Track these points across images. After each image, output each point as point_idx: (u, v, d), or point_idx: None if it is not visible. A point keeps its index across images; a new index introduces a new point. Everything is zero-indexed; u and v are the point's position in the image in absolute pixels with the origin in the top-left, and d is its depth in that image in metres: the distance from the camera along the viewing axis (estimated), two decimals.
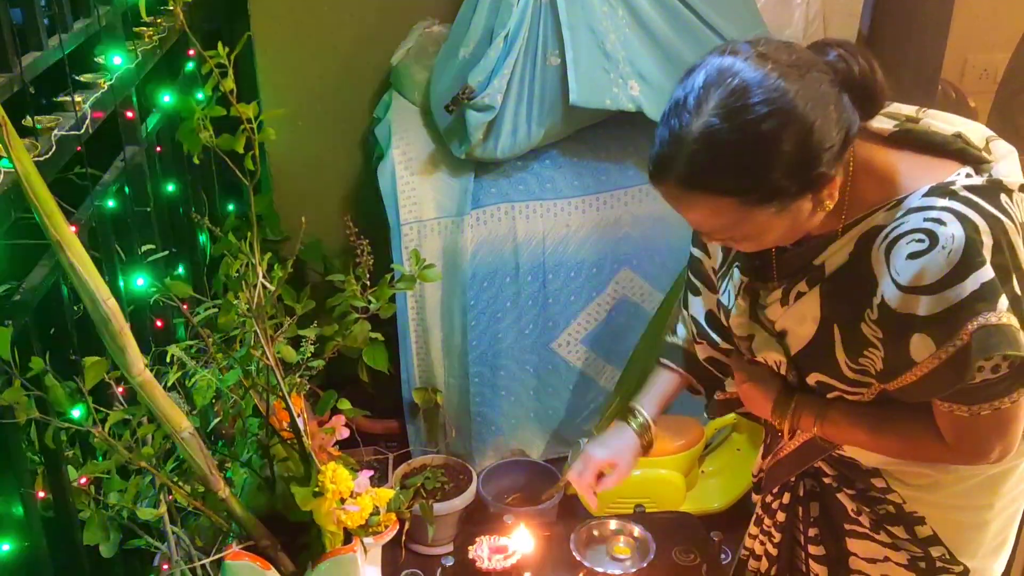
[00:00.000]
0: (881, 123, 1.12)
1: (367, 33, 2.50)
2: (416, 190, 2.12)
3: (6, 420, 0.99)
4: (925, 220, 1.03)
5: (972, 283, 1.00)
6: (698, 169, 1.01)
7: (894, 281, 1.04)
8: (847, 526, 1.30)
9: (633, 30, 2.04)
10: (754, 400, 1.31)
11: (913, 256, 1.02)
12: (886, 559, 1.28)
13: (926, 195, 1.05)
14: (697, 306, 1.39)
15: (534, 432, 2.33)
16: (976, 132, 1.13)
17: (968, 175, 1.07)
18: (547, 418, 2.32)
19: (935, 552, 1.24)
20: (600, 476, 1.49)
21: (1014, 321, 1.01)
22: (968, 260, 1.00)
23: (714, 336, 1.38)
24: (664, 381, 1.50)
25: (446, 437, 2.29)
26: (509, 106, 2.03)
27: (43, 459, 1.20)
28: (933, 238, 1.01)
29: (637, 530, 1.60)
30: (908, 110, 1.16)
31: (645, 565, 1.52)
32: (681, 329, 1.50)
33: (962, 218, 1.01)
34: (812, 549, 1.36)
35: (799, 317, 1.18)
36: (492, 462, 2.28)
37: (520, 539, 1.54)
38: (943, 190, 1.04)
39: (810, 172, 1.01)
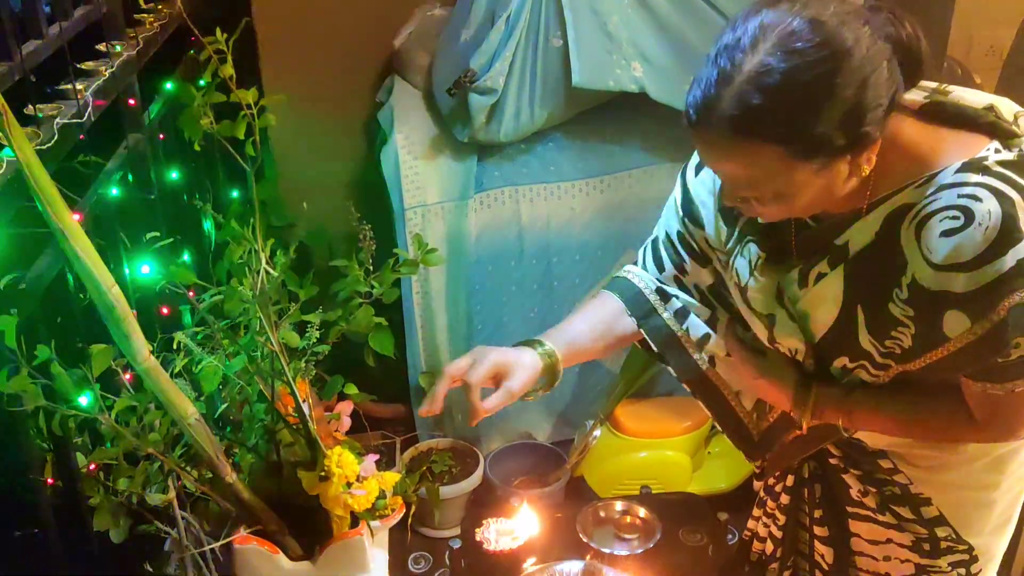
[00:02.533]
0: (912, 95, 1.09)
1: (369, 17, 2.49)
2: (419, 174, 2.12)
3: (14, 408, 0.99)
4: (959, 197, 1.00)
5: (1011, 259, 0.97)
6: (748, 111, 0.96)
7: (926, 259, 1.02)
8: (850, 508, 1.30)
9: (636, 10, 2.03)
10: (770, 395, 1.27)
11: (947, 233, 0.99)
12: (889, 541, 1.27)
13: (959, 171, 1.02)
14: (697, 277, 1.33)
15: (540, 415, 2.33)
16: (1006, 106, 1.09)
17: (997, 150, 1.04)
18: (553, 401, 2.32)
19: (941, 532, 1.24)
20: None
21: None
22: (1006, 236, 0.97)
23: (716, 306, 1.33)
24: (602, 328, 1.35)
25: (453, 421, 2.30)
26: (511, 89, 2.02)
27: (52, 446, 1.21)
28: (969, 215, 0.98)
29: (643, 511, 1.60)
30: (932, 84, 1.11)
31: (652, 546, 1.53)
32: (650, 267, 1.36)
33: (998, 194, 0.98)
34: (818, 530, 1.35)
35: (819, 299, 1.15)
36: (499, 445, 2.29)
37: (527, 521, 1.55)
38: (976, 166, 1.02)
39: (859, 127, 0.97)
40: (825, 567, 1.36)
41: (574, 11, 1.98)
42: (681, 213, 1.31)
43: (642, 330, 1.36)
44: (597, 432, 2.21)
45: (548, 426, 2.36)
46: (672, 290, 1.36)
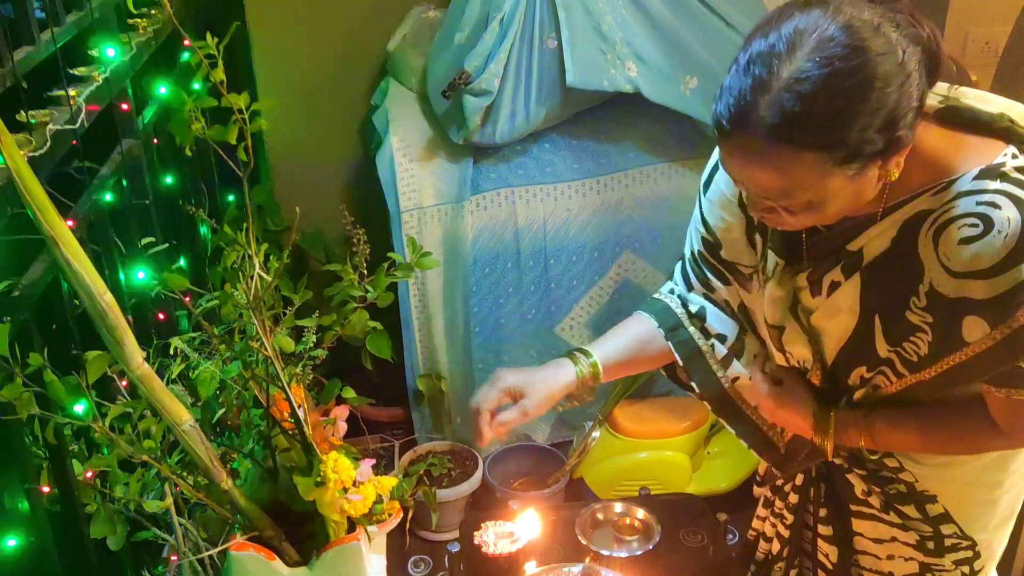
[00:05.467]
0: (928, 98, 1.06)
1: (363, 20, 2.49)
2: (415, 177, 2.12)
3: (7, 416, 0.99)
4: (978, 204, 1.00)
5: None
6: (787, 118, 0.94)
7: (944, 267, 1.01)
8: (853, 507, 1.30)
9: (629, 11, 2.03)
10: (790, 424, 1.27)
11: (966, 241, 0.99)
12: (893, 539, 1.27)
13: (976, 178, 1.02)
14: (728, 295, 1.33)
15: (539, 417, 2.33)
16: (1018, 110, 1.09)
17: (1014, 155, 1.03)
18: None
19: (946, 530, 1.23)
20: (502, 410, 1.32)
21: None
22: None
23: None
24: (640, 340, 1.36)
25: (451, 423, 2.30)
26: (506, 90, 2.02)
27: (48, 453, 1.21)
28: (988, 222, 0.98)
29: (642, 512, 1.60)
30: (942, 86, 1.10)
31: (652, 547, 1.52)
32: (692, 294, 1.36)
33: (1017, 201, 0.99)
34: (822, 529, 1.35)
35: (834, 309, 1.14)
36: (498, 447, 2.28)
37: (526, 524, 1.55)
38: (995, 172, 1.01)
39: (895, 130, 0.96)
40: (829, 566, 1.36)
41: (568, 12, 1.98)
42: (702, 229, 1.30)
43: (669, 342, 1.36)
44: (596, 433, 2.21)
45: (547, 427, 2.36)
46: (698, 306, 1.36)
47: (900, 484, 1.24)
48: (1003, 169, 1.01)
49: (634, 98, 2.05)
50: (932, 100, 1.08)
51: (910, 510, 1.24)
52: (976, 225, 0.99)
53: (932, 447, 1.19)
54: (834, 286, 1.14)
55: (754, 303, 1.28)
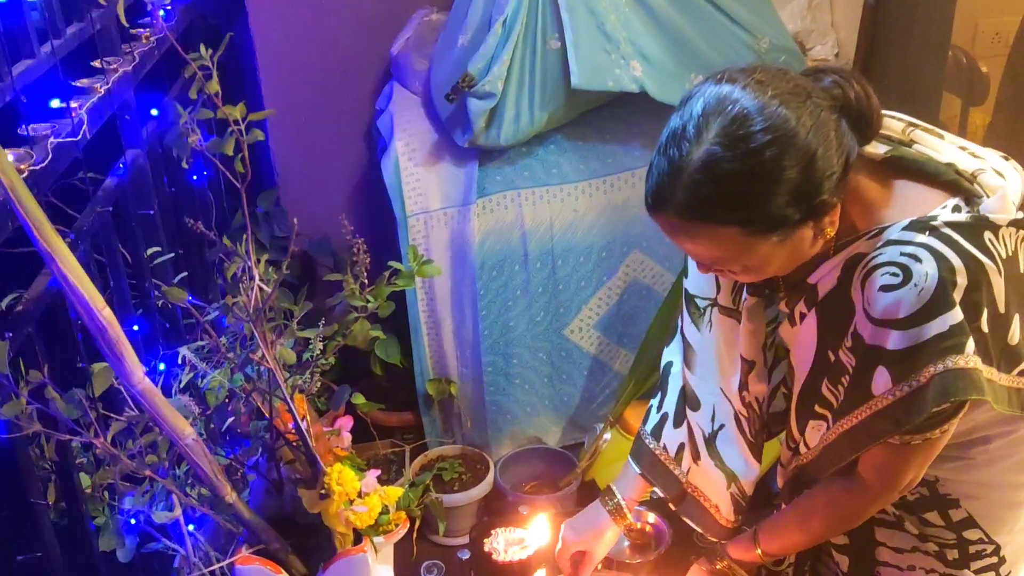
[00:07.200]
0: (873, 147, 1.10)
1: (366, 24, 2.49)
2: (420, 181, 2.11)
3: (11, 435, 0.99)
4: (902, 254, 1.01)
5: (939, 324, 0.98)
6: (700, 198, 0.99)
7: (866, 311, 1.03)
8: (877, 514, 1.29)
9: (633, 9, 2.01)
10: None
11: (885, 289, 1.00)
12: (915, 549, 1.26)
13: (906, 228, 1.03)
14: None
15: (550, 419, 2.32)
16: (963, 161, 1.09)
17: (956, 207, 1.04)
18: (562, 404, 2.31)
19: (971, 535, 1.22)
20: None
21: (979, 363, 0.99)
22: (938, 300, 0.98)
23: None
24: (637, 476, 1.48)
25: (462, 427, 2.29)
26: (510, 92, 2.01)
27: (54, 467, 1.21)
28: (907, 273, 0.99)
29: (653, 516, 1.59)
30: (898, 127, 1.13)
31: (663, 551, 1.51)
32: (653, 420, 1.46)
33: (939, 256, 0.99)
34: (834, 539, 1.34)
35: (803, 341, 1.18)
36: (509, 451, 2.27)
37: (536, 530, 1.54)
38: (923, 225, 1.02)
39: (813, 200, 1.00)
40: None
41: (571, 12, 1.97)
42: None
43: (629, 457, 1.47)
44: (607, 435, 2.20)
45: (558, 430, 2.35)
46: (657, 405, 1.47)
47: (922, 487, 1.23)
48: (933, 223, 1.02)
49: (639, 97, 2.04)
50: (878, 149, 1.10)
51: (933, 517, 1.23)
52: (896, 275, 1.00)
53: (814, 532, 1.25)
54: (802, 317, 1.17)
55: (704, 344, 1.34)
